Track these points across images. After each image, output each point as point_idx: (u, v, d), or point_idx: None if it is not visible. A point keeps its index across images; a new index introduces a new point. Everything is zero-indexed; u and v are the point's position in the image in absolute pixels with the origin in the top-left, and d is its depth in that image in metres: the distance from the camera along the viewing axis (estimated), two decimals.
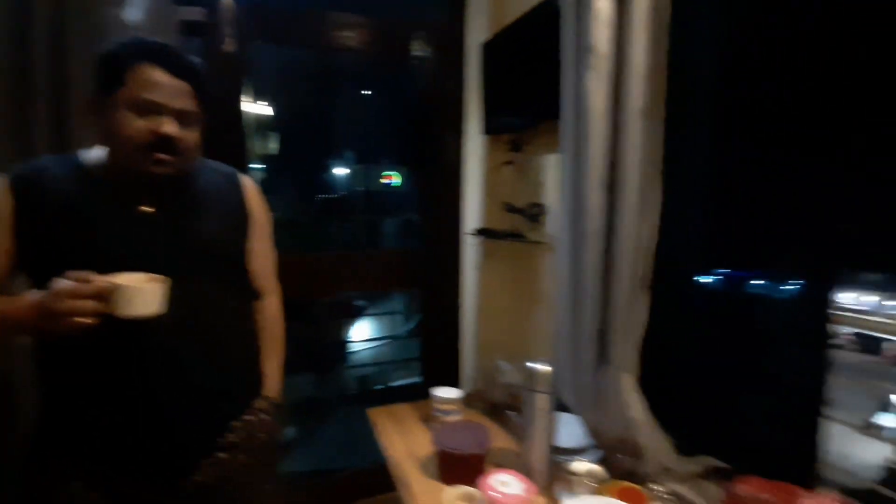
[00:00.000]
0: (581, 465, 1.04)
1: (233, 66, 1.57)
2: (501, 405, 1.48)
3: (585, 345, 1.14)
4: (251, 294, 1.09)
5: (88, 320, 0.74)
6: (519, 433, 1.22)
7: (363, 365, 3.50)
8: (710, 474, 1.04)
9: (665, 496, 0.99)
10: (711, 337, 1.21)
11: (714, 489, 1.01)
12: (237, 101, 1.61)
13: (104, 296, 0.74)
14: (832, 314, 0.95)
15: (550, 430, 1.09)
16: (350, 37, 1.73)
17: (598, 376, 1.14)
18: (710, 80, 1.16)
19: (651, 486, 1.00)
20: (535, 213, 1.73)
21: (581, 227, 1.13)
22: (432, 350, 1.97)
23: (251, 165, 1.77)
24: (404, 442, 1.32)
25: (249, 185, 1.08)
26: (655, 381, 1.13)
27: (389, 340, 3.64)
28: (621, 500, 0.93)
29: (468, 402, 1.50)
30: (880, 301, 0.93)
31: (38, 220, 0.86)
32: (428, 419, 1.41)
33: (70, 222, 0.85)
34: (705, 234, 1.23)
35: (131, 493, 0.90)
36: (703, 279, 1.24)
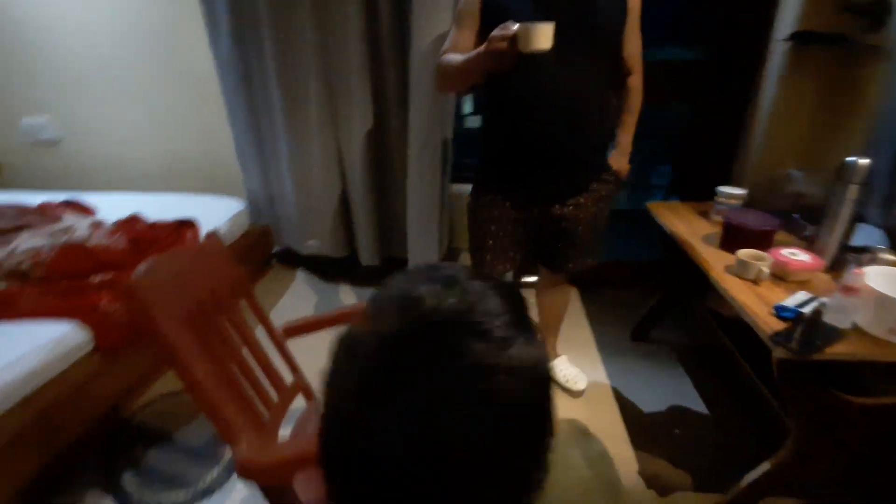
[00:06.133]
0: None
1: None
2: (782, 210, 1.59)
3: None
4: (620, 74, 1.39)
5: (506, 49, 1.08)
6: (801, 233, 1.35)
7: None
8: None
9: None
10: None
11: None
12: None
13: (516, 36, 1.06)
14: None
15: (850, 219, 1.20)
16: None
17: None
18: None
19: None
20: (877, 11, 1.52)
21: None
22: (700, 158, 2.08)
23: None
24: (685, 226, 1.57)
25: None
26: None
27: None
28: None
29: (748, 203, 1.64)
30: None
31: (491, 11, 1.26)
32: (706, 214, 1.62)
33: (508, 11, 1.19)
34: None
35: (525, 207, 1.44)
36: None
